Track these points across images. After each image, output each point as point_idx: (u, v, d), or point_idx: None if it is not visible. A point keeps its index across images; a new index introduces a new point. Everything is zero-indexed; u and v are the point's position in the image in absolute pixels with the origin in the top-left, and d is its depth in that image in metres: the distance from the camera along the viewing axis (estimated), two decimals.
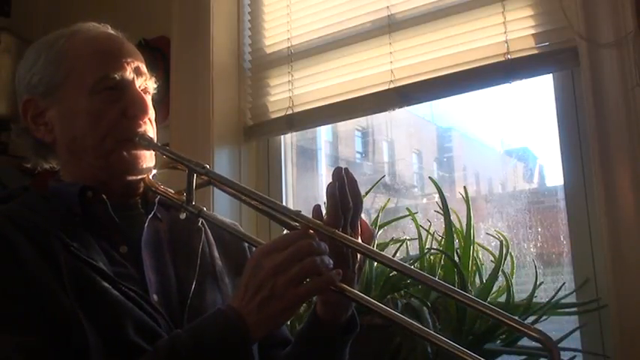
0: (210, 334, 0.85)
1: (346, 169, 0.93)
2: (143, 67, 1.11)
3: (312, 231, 0.90)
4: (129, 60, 1.08)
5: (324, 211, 0.94)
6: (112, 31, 1.13)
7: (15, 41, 2.36)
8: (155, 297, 0.99)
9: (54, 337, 0.87)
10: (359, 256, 0.96)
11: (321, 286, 0.87)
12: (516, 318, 0.85)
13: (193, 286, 1.03)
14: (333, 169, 0.93)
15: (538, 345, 1.34)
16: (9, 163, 2.23)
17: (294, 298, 0.84)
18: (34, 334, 0.86)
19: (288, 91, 1.91)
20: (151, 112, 1.09)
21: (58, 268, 0.91)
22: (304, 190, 2.04)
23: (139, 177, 1.08)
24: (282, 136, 2.01)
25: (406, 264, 0.97)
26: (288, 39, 1.93)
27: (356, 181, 0.94)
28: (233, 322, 0.85)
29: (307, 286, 0.85)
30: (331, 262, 0.86)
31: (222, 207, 1.80)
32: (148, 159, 1.07)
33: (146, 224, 1.06)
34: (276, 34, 1.98)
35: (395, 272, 1.44)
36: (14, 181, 2.03)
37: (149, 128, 1.08)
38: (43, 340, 0.86)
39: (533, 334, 0.81)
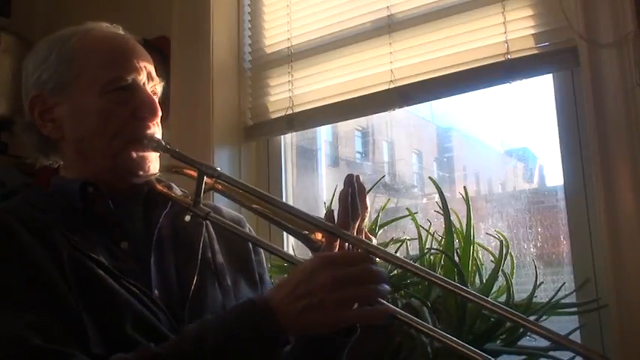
0: (239, 328, 0.82)
1: (357, 177, 0.95)
2: (154, 72, 1.11)
3: (319, 234, 0.92)
4: (141, 64, 1.08)
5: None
6: (124, 33, 1.14)
7: (15, 41, 2.36)
8: (156, 292, 0.99)
9: (62, 319, 0.87)
10: None
11: (371, 319, 0.86)
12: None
13: (194, 281, 1.03)
14: (346, 175, 0.96)
15: (538, 345, 1.35)
16: (9, 163, 2.23)
17: (338, 318, 0.83)
18: (46, 314, 0.86)
19: (288, 91, 1.91)
20: (159, 114, 1.10)
21: (60, 261, 0.91)
22: (304, 190, 2.04)
23: (144, 180, 1.08)
24: (282, 136, 2.01)
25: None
26: (288, 39, 1.93)
27: (365, 189, 0.96)
28: (265, 318, 0.82)
29: (357, 312, 0.83)
30: (388, 289, 0.84)
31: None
32: (154, 161, 1.08)
33: (159, 223, 1.06)
34: (276, 34, 1.98)
35: (395, 272, 1.44)
36: (14, 180, 2.03)
37: (157, 130, 1.09)
38: (54, 320, 0.86)
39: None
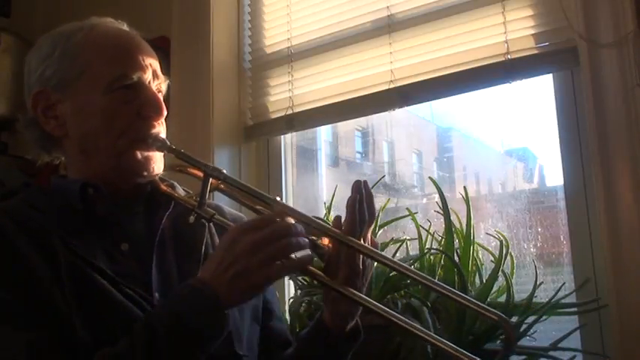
0: (185, 307, 0.85)
1: (365, 182, 0.96)
2: (159, 70, 1.10)
3: (326, 239, 0.94)
4: (147, 61, 1.07)
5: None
6: (130, 29, 1.12)
7: (15, 41, 2.36)
8: (157, 295, 0.98)
9: (52, 334, 0.87)
10: (369, 267, 0.98)
11: (291, 269, 0.91)
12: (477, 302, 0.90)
13: None
14: (353, 182, 0.96)
15: (538, 345, 1.35)
16: (9, 163, 2.23)
17: (265, 277, 0.87)
18: (35, 330, 0.86)
19: (288, 91, 1.91)
20: (164, 114, 1.08)
21: (56, 266, 0.90)
22: (304, 190, 2.04)
23: (148, 180, 1.07)
24: (282, 136, 2.01)
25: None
26: (288, 39, 1.93)
27: (372, 195, 0.97)
28: (205, 292, 0.85)
29: (279, 267, 0.87)
30: (307, 241, 0.89)
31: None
32: (158, 161, 1.06)
33: (162, 224, 1.05)
34: (276, 34, 1.98)
35: (395, 272, 1.44)
36: (14, 181, 2.03)
37: (162, 130, 1.07)
38: (44, 336, 0.86)
39: (492, 316, 0.86)
